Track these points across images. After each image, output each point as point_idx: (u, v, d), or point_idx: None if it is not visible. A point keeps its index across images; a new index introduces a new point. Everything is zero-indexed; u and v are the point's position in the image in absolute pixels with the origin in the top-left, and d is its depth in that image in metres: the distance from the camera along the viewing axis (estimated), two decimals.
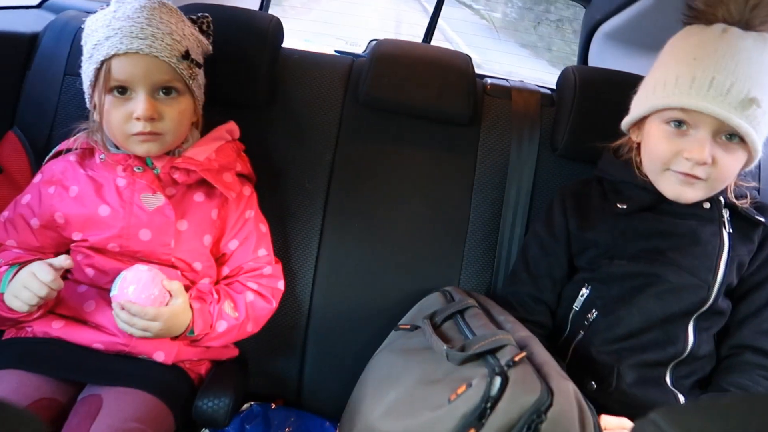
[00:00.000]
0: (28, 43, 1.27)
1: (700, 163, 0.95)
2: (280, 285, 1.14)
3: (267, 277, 1.12)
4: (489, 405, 0.76)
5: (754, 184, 1.08)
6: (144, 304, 0.93)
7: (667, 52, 1.02)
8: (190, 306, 1.00)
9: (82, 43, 1.01)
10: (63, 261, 0.92)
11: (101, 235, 1.02)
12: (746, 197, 1.05)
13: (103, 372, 0.99)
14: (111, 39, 0.95)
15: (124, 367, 1.00)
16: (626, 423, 0.91)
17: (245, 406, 1.20)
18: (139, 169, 1.02)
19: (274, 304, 1.12)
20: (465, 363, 0.86)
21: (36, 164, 1.20)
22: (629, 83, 1.08)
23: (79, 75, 1.25)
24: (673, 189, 1.00)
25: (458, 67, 1.31)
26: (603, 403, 0.94)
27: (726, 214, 1.04)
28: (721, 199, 1.03)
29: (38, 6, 1.43)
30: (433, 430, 0.79)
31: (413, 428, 0.82)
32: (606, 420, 0.90)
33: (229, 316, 1.05)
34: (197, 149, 1.06)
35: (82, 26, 1.28)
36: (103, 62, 0.96)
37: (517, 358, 0.80)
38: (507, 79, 1.44)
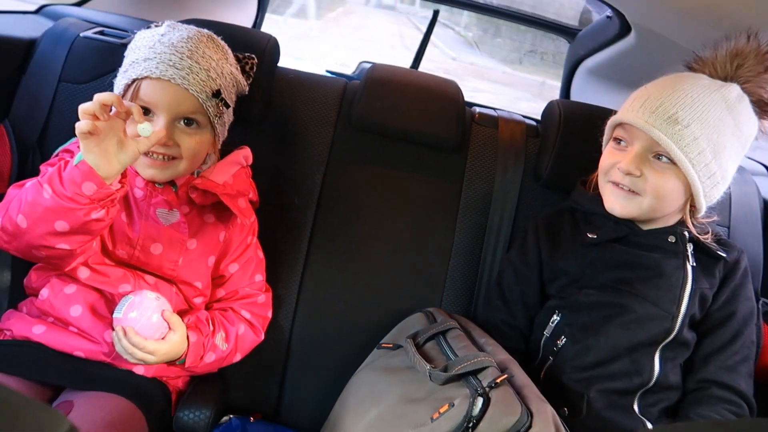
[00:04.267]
0: (25, 48, 1.28)
1: (626, 173, 1.03)
2: (269, 314, 1.16)
3: (260, 305, 1.14)
4: (471, 424, 0.78)
5: (715, 218, 1.13)
6: (143, 331, 0.94)
7: None
8: (187, 336, 1.00)
9: (125, 54, 1.02)
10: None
11: (113, 239, 1.02)
12: (709, 233, 1.11)
13: (80, 377, 0.98)
14: (149, 61, 0.96)
15: (101, 373, 0.99)
16: None
17: (224, 418, 1.19)
18: (159, 184, 1.03)
19: (262, 336, 1.14)
20: (447, 383, 0.88)
21: (20, 160, 1.22)
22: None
23: (74, 83, 1.26)
24: (609, 200, 1.08)
25: (448, 94, 1.35)
26: (575, 429, 0.96)
27: (690, 248, 1.08)
28: (686, 233, 1.08)
29: (36, 12, 1.44)
30: None
31: None
32: None
33: (219, 349, 1.05)
34: (216, 173, 1.07)
35: (81, 34, 1.30)
36: (134, 80, 0.97)
37: (499, 380, 0.83)
38: (495, 109, 1.48)
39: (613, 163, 1.06)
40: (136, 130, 0.88)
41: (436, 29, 1.91)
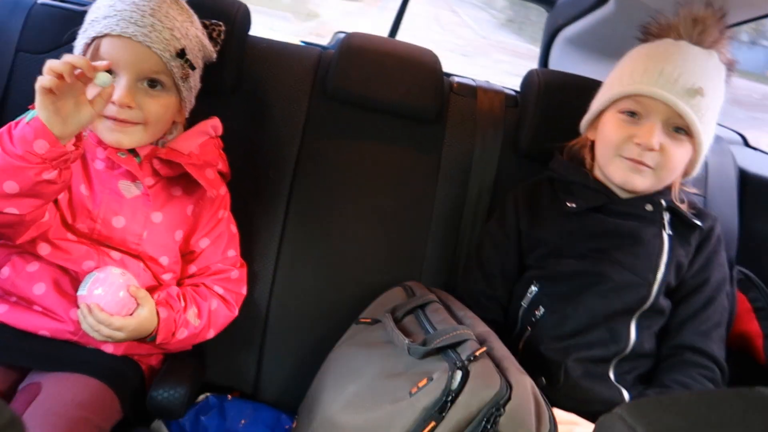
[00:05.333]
0: None
1: (648, 149, 1.01)
2: (244, 290, 1.13)
3: (233, 281, 1.11)
4: (450, 398, 0.78)
5: (695, 190, 1.14)
6: (109, 308, 0.91)
7: (625, 57, 1.10)
8: (157, 312, 0.97)
9: (85, 17, 0.98)
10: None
11: (73, 212, 0.99)
12: (685, 202, 1.11)
13: (47, 357, 0.95)
14: (109, 19, 0.92)
15: (69, 353, 0.97)
16: (576, 418, 0.95)
17: (201, 397, 1.17)
18: (122, 154, 0.99)
19: (236, 312, 1.11)
20: (426, 357, 0.87)
21: None
22: (590, 87, 1.13)
23: (32, 52, 1.20)
24: (622, 175, 1.05)
25: (426, 64, 1.32)
26: (553, 398, 0.97)
27: (666, 216, 1.09)
28: (663, 202, 1.08)
29: None
30: (393, 422, 0.81)
31: (373, 421, 0.83)
32: (558, 415, 0.92)
33: (191, 325, 1.03)
34: (181, 142, 1.03)
35: (38, 1, 1.24)
36: (94, 39, 0.93)
37: (477, 353, 0.82)
38: (473, 79, 1.46)
39: (626, 137, 1.03)
40: (96, 91, 0.85)
41: (471, 11, 1.88)
